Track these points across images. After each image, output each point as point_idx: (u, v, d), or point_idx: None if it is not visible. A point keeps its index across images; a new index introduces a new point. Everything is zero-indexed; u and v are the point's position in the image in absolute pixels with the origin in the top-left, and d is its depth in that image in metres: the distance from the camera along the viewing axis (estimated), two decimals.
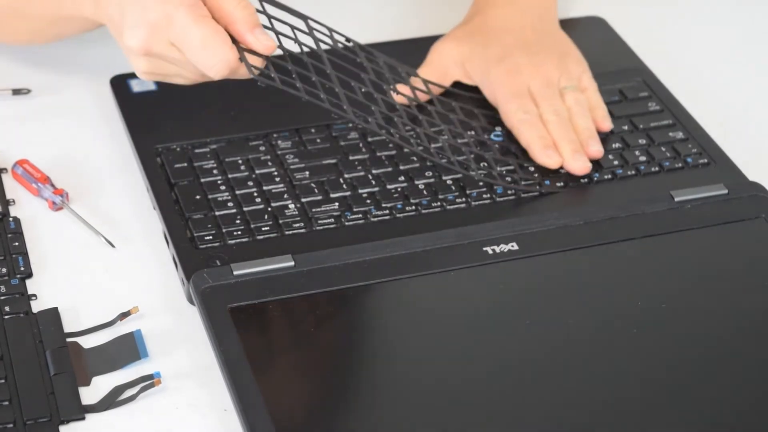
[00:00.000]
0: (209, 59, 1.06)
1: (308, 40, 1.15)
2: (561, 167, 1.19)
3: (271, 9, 1.13)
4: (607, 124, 1.23)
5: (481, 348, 1.04)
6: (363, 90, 1.15)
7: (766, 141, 1.26)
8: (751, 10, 1.42)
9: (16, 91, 1.26)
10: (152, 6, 1.06)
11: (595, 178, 1.19)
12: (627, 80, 1.29)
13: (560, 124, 1.22)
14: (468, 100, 1.25)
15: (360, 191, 1.16)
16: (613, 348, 1.04)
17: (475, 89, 1.26)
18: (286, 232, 1.12)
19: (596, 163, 1.19)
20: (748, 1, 1.43)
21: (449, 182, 1.17)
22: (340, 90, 1.13)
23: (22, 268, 1.09)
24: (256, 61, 1.08)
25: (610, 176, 1.19)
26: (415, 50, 1.30)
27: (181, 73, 1.10)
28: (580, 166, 1.19)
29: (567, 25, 1.35)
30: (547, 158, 1.20)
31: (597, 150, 1.20)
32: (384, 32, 1.36)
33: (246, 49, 1.08)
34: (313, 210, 1.14)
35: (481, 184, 1.17)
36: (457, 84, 1.27)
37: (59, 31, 1.23)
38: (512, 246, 1.11)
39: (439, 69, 1.28)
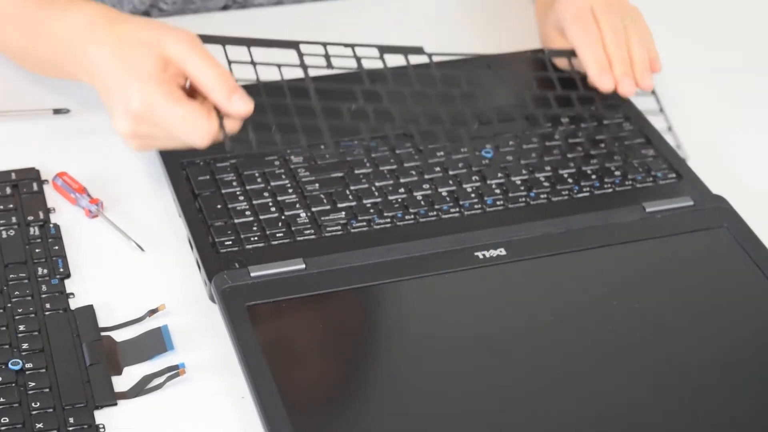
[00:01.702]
0: (191, 134, 1.07)
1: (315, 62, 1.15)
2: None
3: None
4: (658, 66, 1.25)
5: (472, 342, 1.04)
6: (353, 108, 1.15)
7: (727, 159, 1.26)
8: (717, 31, 1.42)
9: (57, 111, 1.25)
10: (134, 97, 1.07)
11: (576, 190, 1.18)
12: (605, 105, 1.28)
13: (617, 44, 1.23)
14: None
15: (364, 202, 1.16)
16: (591, 343, 1.04)
17: None
18: (298, 238, 1.12)
19: (577, 178, 1.19)
20: (711, 22, 1.43)
21: (444, 194, 1.17)
22: (323, 123, 1.12)
23: (61, 270, 1.09)
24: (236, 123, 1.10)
25: (589, 189, 1.19)
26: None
27: (169, 144, 1.11)
28: (627, 89, 1.22)
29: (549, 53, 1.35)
30: (601, 83, 1.22)
31: (649, 84, 1.23)
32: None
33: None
34: (322, 218, 1.14)
35: (473, 195, 1.16)
36: None
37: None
38: (501, 251, 1.11)
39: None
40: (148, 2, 1.40)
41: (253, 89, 1.13)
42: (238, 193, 1.16)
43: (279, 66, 1.15)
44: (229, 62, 1.16)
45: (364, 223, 1.14)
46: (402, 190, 1.17)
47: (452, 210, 1.16)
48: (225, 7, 1.44)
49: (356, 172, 1.19)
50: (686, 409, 0.99)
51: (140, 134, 1.09)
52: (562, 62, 1.29)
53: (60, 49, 1.15)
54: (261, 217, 1.14)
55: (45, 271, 1.08)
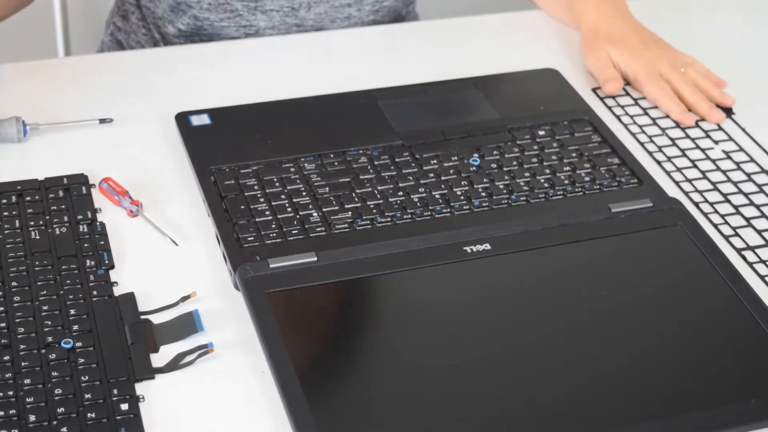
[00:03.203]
0: None
1: None
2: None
3: None
4: (724, 84, 1.36)
5: (460, 323, 1.04)
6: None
7: (680, 166, 1.26)
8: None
9: (102, 121, 1.25)
10: None
11: (551, 193, 1.18)
12: (575, 119, 1.29)
13: (692, 91, 1.32)
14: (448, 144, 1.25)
15: (368, 203, 1.16)
16: (563, 324, 1.04)
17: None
18: (311, 235, 1.12)
19: (552, 183, 1.20)
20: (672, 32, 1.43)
21: (437, 196, 1.17)
22: None
23: (107, 262, 1.09)
24: None
25: (562, 193, 1.19)
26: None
27: None
28: (717, 117, 1.31)
29: (527, 75, 1.36)
30: (686, 118, 1.31)
31: (729, 99, 1.33)
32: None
33: None
34: (332, 217, 1.14)
35: (462, 198, 1.17)
36: None
37: None
38: (486, 246, 1.11)
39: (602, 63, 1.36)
40: None
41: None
42: (258, 195, 1.16)
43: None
44: None
45: (368, 222, 1.14)
46: (401, 193, 1.18)
47: (444, 210, 1.16)
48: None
49: (361, 177, 1.19)
50: (642, 375, 1.00)
51: None
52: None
53: None
54: (279, 216, 1.14)
55: (92, 263, 1.08)
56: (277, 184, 1.17)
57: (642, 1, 1.52)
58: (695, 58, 1.36)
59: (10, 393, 0.96)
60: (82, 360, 0.99)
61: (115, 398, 0.96)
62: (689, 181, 1.24)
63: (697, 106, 1.32)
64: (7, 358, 0.99)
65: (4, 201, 1.14)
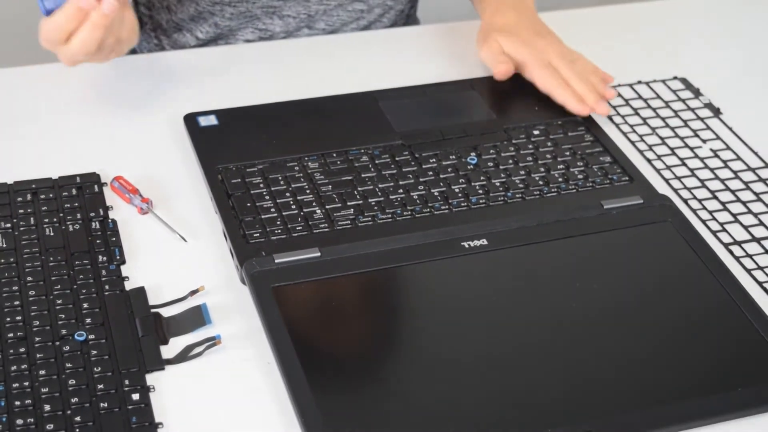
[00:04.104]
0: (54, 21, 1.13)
1: None
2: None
3: None
4: (610, 78, 1.32)
5: (458, 315, 1.04)
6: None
7: (670, 164, 1.26)
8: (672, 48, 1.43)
9: None
10: None
11: (545, 191, 1.19)
12: (568, 119, 1.29)
13: (580, 81, 1.29)
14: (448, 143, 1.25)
15: (369, 200, 1.16)
16: (557, 316, 1.04)
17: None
18: (314, 231, 1.12)
19: (547, 180, 1.20)
20: (662, 47, 1.43)
21: (436, 194, 1.17)
22: None
23: (118, 257, 1.09)
24: None
25: (556, 190, 1.19)
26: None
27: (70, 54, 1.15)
28: (603, 110, 1.28)
29: (522, 77, 1.35)
30: (581, 109, 1.28)
31: (612, 92, 1.30)
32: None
33: None
34: (335, 214, 1.14)
35: (460, 195, 1.17)
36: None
37: None
38: (483, 241, 1.11)
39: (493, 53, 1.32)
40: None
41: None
42: (264, 193, 1.16)
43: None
44: None
45: (370, 218, 1.14)
46: (401, 190, 1.18)
47: (443, 207, 1.16)
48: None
49: (363, 175, 1.19)
50: (631, 366, 1.00)
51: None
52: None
53: None
54: (283, 213, 1.14)
55: (104, 258, 1.09)
56: (281, 182, 1.17)
57: (632, 4, 1.52)
58: (585, 57, 1.33)
59: (26, 383, 0.96)
60: (95, 352, 0.99)
61: (126, 388, 0.96)
62: (678, 178, 1.24)
63: (586, 97, 1.28)
64: (23, 350, 0.99)
65: (20, 199, 1.14)
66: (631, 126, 1.32)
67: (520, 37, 1.32)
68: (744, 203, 1.20)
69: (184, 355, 1.00)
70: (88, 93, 1.31)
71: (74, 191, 1.16)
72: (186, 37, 1.45)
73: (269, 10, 1.41)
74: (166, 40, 1.48)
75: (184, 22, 1.44)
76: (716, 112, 1.34)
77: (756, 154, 1.28)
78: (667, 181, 1.23)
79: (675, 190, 1.22)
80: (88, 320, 1.02)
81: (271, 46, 1.41)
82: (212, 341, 1.01)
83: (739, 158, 1.27)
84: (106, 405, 0.95)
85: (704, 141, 1.30)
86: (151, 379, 0.98)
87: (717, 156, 1.27)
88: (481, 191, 1.18)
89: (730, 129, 1.32)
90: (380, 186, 1.18)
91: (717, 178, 1.24)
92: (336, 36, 1.44)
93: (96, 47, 1.14)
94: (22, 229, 1.11)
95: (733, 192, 1.22)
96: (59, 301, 1.03)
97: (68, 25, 1.13)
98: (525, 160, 1.22)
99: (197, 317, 1.04)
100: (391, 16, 1.50)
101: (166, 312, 1.04)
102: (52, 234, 1.10)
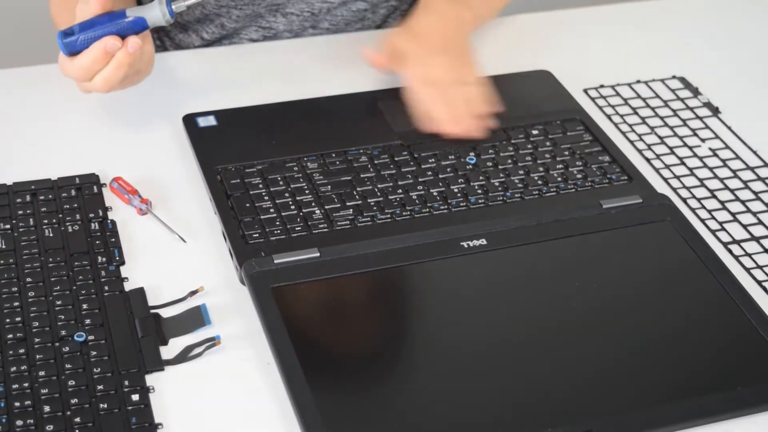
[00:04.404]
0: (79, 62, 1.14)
1: None
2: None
3: None
4: (495, 107, 1.26)
5: (457, 317, 1.04)
6: None
7: (669, 163, 1.26)
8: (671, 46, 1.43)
9: None
10: None
11: (544, 190, 1.19)
12: (567, 119, 1.29)
13: (464, 103, 1.24)
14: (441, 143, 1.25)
15: (369, 200, 1.16)
16: (556, 315, 1.04)
17: None
18: (314, 231, 1.12)
19: (545, 180, 1.20)
20: (661, 48, 1.43)
21: (435, 194, 1.17)
22: None
23: (117, 258, 1.09)
24: None
25: (555, 190, 1.19)
26: None
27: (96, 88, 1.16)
28: (478, 132, 1.23)
29: (521, 77, 1.35)
30: (452, 129, 1.22)
31: (491, 125, 1.24)
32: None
33: None
34: (334, 214, 1.14)
35: (459, 195, 1.17)
36: None
37: None
38: (482, 241, 1.11)
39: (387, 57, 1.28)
40: None
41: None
42: (263, 193, 1.16)
43: None
44: None
45: (369, 219, 1.14)
46: (400, 190, 1.18)
47: (442, 207, 1.16)
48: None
49: (362, 176, 1.19)
50: (631, 365, 1.00)
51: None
52: None
53: None
54: (282, 213, 1.14)
55: (104, 259, 1.09)
56: (281, 182, 1.17)
57: (631, 3, 1.52)
58: (478, 77, 1.27)
59: (26, 384, 0.96)
60: (95, 353, 0.99)
61: (126, 389, 0.96)
62: (677, 177, 1.24)
63: (464, 118, 1.23)
64: (22, 351, 0.99)
65: (19, 200, 1.14)
66: (630, 125, 1.32)
67: (418, 43, 1.26)
68: (743, 202, 1.20)
69: (183, 356, 1.00)
70: (87, 94, 1.31)
71: (73, 192, 1.16)
72: (191, 38, 1.45)
73: (273, 8, 1.41)
74: (168, 42, 1.48)
75: (190, 23, 1.44)
76: (715, 111, 1.34)
77: (755, 153, 1.28)
78: (666, 180, 1.23)
79: (674, 189, 1.22)
80: (88, 321, 1.02)
81: (269, 46, 1.41)
82: (212, 342, 1.01)
83: (737, 157, 1.27)
84: (105, 406, 0.95)
85: (703, 140, 1.30)
86: (150, 379, 0.98)
87: (716, 155, 1.27)
88: (480, 191, 1.18)
89: (729, 128, 1.32)
90: (379, 186, 1.18)
91: (716, 177, 1.24)
92: (335, 36, 1.44)
93: (118, 84, 1.15)
94: (21, 230, 1.11)
95: (732, 191, 1.22)
96: (59, 302, 1.03)
97: (94, 66, 1.14)
98: (524, 159, 1.22)
99: (197, 318, 1.04)
100: (397, 16, 1.49)
101: (166, 313, 1.04)
102: (51, 235, 1.10)
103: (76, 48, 1.13)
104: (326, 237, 1.11)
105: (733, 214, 1.19)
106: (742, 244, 1.15)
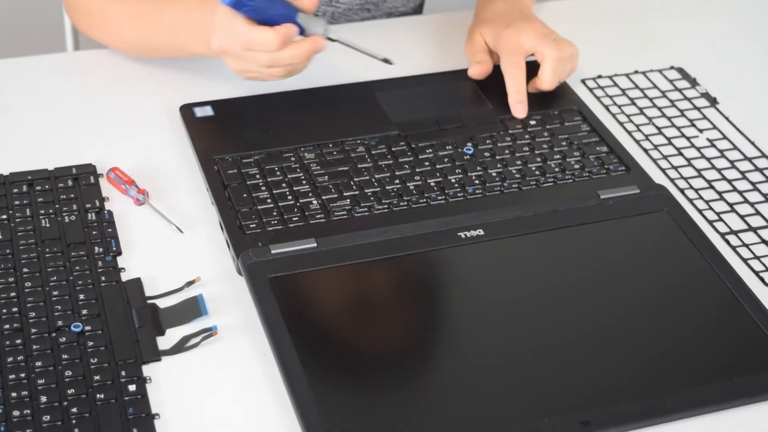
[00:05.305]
0: (262, 36, 1.15)
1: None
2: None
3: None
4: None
5: (454, 307, 1.05)
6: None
7: (666, 154, 1.26)
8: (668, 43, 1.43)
9: (385, 60, 1.26)
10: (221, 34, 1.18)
11: (542, 181, 1.18)
12: (565, 109, 1.29)
13: (554, 72, 1.27)
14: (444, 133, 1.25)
15: (366, 191, 1.16)
16: (554, 307, 1.04)
17: None
18: (311, 222, 1.12)
19: (543, 170, 1.20)
20: (659, 45, 1.43)
21: (432, 184, 1.17)
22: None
23: (114, 249, 1.09)
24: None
25: (552, 180, 1.19)
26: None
27: (254, 69, 1.18)
28: (520, 113, 1.27)
29: None
30: (514, 111, 1.26)
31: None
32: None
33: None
34: (331, 205, 1.14)
35: (456, 185, 1.17)
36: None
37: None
38: (480, 232, 1.11)
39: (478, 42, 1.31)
40: None
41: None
42: (260, 184, 1.16)
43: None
44: None
45: (366, 209, 1.14)
46: (397, 181, 1.17)
47: (439, 198, 1.16)
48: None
49: (359, 166, 1.19)
50: (628, 354, 1.00)
51: (228, 51, 1.18)
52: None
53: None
54: (279, 204, 1.14)
55: (100, 249, 1.09)
56: (278, 172, 1.17)
57: None
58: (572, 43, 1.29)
59: (22, 375, 0.96)
60: (91, 343, 0.99)
61: (123, 380, 0.96)
62: (675, 168, 1.24)
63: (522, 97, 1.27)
64: (19, 341, 0.99)
65: (16, 190, 1.14)
66: (628, 116, 1.31)
67: (499, 25, 1.30)
68: (740, 193, 1.20)
69: (180, 346, 1.00)
70: (84, 84, 1.31)
71: (70, 182, 1.15)
72: None
73: None
74: None
75: None
76: (713, 102, 1.34)
77: (752, 143, 1.28)
78: (663, 170, 1.23)
79: (671, 180, 1.22)
80: (85, 311, 1.02)
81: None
82: (208, 332, 1.01)
83: (735, 148, 1.27)
84: (102, 396, 0.95)
85: (701, 131, 1.29)
86: (147, 370, 0.98)
87: (713, 146, 1.27)
88: (477, 181, 1.18)
89: (727, 119, 1.31)
90: (376, 176, 1.18)
91: (713, 167, 1.24)
92: (334, 26, 1.43)
93: (297, 71, 1.19)
94: (18, 220, 1.11)
95: (729, 182, 1.22)
96: (55, 293, 1.03)
97: (295, 60, 1.17)
98: (521, 150, 1.22)
99: (193, 308, 1.03)
100: (397, 15, 1.49)
101: (163, 303, 1.04)
102: (48, 225, 1.10)
103: (244, 6, 1.15)
104: (323, 227, 1.11)
105: (730, 205, 1.19)
106: (740, 234, 1.15)
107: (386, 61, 1.17)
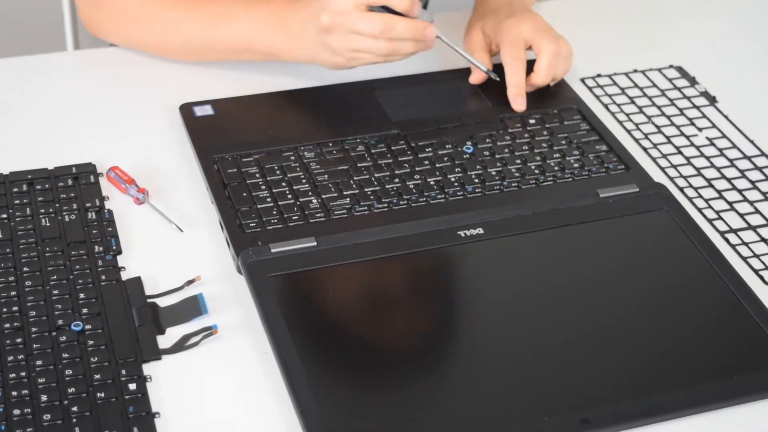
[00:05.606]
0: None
1: None
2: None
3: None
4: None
5: (454, 306, 1.05)
6: None
7: (665, 152, 1.26)
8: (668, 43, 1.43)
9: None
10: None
11: (541, 179, 1.18)
12: (564, 108, 1.29)
13: (549, 63, 1.27)
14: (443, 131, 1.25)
15: (365, 190, 1.16)
16: (553, 306, 1.04)
17: None
18: (311, 220, 1.12)
19: (542, 169, 1.20)
20: (660, 45, 1.43)
21: (432, 183, 1.17)
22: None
23: (114, 248, 1.09)
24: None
25: (552, 179, 1.19)
26: None
27: (358, 43, 1.17)
28: (519, 105, 1.27)
29: None
30: (513, 104, 1.27)
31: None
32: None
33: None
34: (331, 204, 1.14)
35: (456, 184, 1.17)
36: None
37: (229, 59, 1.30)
38: (479, 230, 1.11)
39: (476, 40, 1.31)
40: None
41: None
42: (260, 183, 1.16)
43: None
44: None
45: (366, 208, 1.14)
46: (397, 180, 1.17)
47: (439, 196, 1.16)
48: None
49: (359, 165, 1.19)
50: (627, 353, 1.00)
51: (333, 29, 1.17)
52: None
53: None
54: (279, 202, 1.14)
55: (100, 248, 1.09)
56: (277, 171, 1.17)
57: None
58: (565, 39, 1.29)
59: (23, 374, 0.96)
60: (92, 342, 0.99)
61: (123, 378, 0.96)
62: (674, 166, 1.24)
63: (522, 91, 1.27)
64: (19, 340, 0.99)
65: (16, 189, 1.14)
66: (627, 114, 1.32)
67: (498, 17, 1.30)
68: (740, 191, 1.20)
69: (180, 345, 1.00)
70: (83, 83, 1.31)
71: (70, 181, 1.16)
72: None
73: None
74: None
75: None
76: (712, 101, 1.34)
77: (752, 142, 1.28)
78: (663, 169, 1.23)
79: (671, 179, 1.22)
80: (85, 310, 1.02)
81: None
82: (209, 331, 1.01)
83: (734, 146, 1.27)
84: (103, 395, 0.95)
85: (700, 129, 1.30)
86: (147, 368, 0.98)
87: (713, 144, 1.27)
88: (477, 180, 1.18)
89: (726, 117, 1.32)
90: (376, 175, 1.18)
91: (713, 166, 1.24)
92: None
93: (398, 53, 1.19)
94: (18, 219, 1.11)
95: (728, 180, 1.22)
96: (55, 292, 1.03)
97: (407, 34, 1.17)
98: (521, 149, 1.22)
99: (194, 307, 1.04)
100: None
101: (163, 302, 1.04)
102: (48, 224, 1.10)
103: None
104: (323, 226, 1.11)
105: (729, 203, 1.19)
106: (739, 233, 1.15)
107: (489, 73, 1.17)
